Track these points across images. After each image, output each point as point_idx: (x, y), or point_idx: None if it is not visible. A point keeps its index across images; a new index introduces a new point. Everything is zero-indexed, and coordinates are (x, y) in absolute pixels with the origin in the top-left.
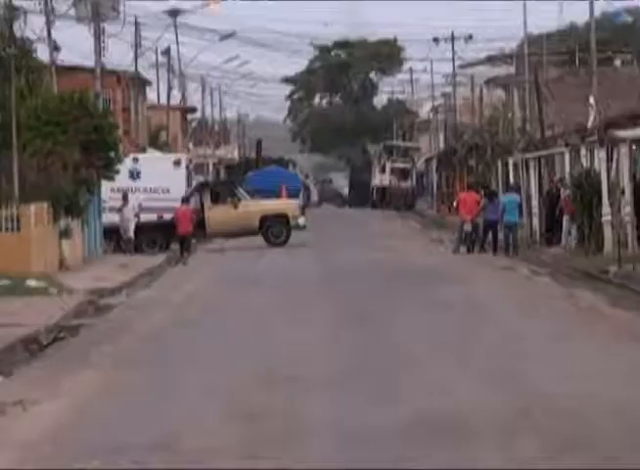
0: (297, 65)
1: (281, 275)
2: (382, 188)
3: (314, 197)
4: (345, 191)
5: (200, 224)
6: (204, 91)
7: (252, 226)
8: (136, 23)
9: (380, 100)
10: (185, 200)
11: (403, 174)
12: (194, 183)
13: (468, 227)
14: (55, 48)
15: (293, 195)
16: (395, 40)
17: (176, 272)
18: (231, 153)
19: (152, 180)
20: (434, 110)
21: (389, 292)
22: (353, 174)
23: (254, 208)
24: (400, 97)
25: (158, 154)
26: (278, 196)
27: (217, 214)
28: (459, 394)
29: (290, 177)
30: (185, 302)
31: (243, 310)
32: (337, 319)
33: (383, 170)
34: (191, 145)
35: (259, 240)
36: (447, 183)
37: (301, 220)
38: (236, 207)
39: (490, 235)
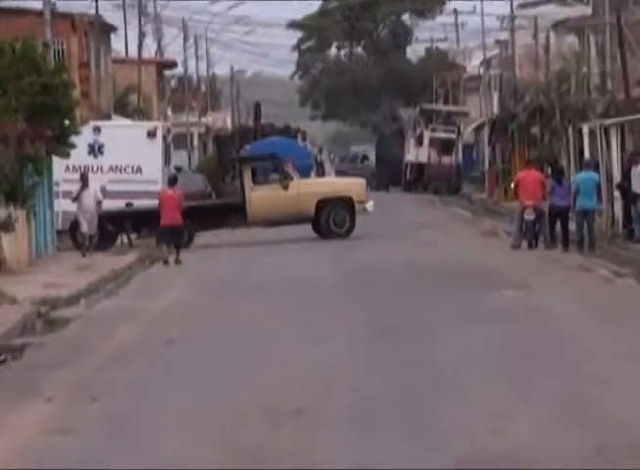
0: (308, 5)
1: (290, 279)
2: (418, 165)
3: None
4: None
5: (237, 210)
6: (186, 40)
7: (307, 212)
8: None
9: (415, 51)
10: (172, 181)
11: (446, 147)
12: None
13: (530, 216)
14: None
15: (302, 172)
16: None
17: (152, 275)
18: (222, 121)
19: (118, 157)
20: (486, 63)
21: (429, 299)
22: (380, 147)
23: (310, 188)
24: (442, 47)
25: (126, 122)
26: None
27: (262, 198)
28: (519, 433)
29: (298, 151)
30: (162, 314)
31: (239, 324)
32: (360, 334)
33: (419, 142)
34: (169, 111)
35: (269, 233)
36: (503, 158)
37: (369, 205)
38: (286, 188)
39: (559, 225)
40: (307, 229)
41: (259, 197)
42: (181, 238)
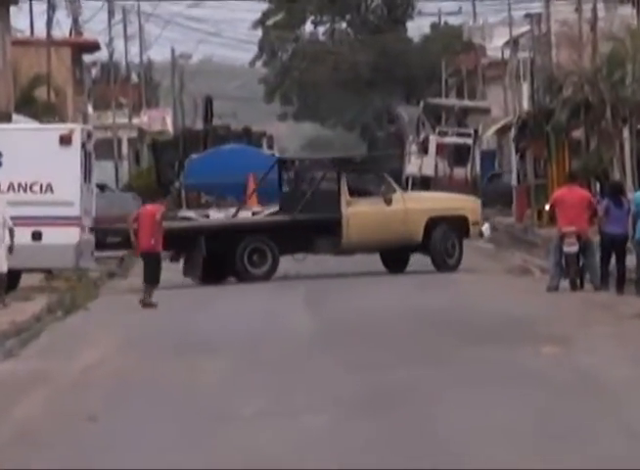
0: None
1: (256, 331)
2: (421, 180)
3: None
4: None
5: (328, 229)
6: (111, 15)
7: (413, 235)
8: None
9: (418, 27)
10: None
11: (459, 156)
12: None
13: (572, 247)
14: None
15: (267, 191)
16: None
17: (68, 328)
18: (160, 121)
19: (21, 171)
20: (513, 43)
21: (440, 359)
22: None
23: (417, 204)
24: (453, 22)
25: (32, 124)
26: (243, 193)
27: (361, 215)
28: None
29: (262, 162)
30: (80, 380)
31: (184, 394)
32: (348, 407)
33: (424, 150)
34: (90, 108)
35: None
36: (536, 170)
37: (485, 228)
38: (389, 202)
39: (614, 260)
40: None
41: (359, 213)
42: (158, 269)
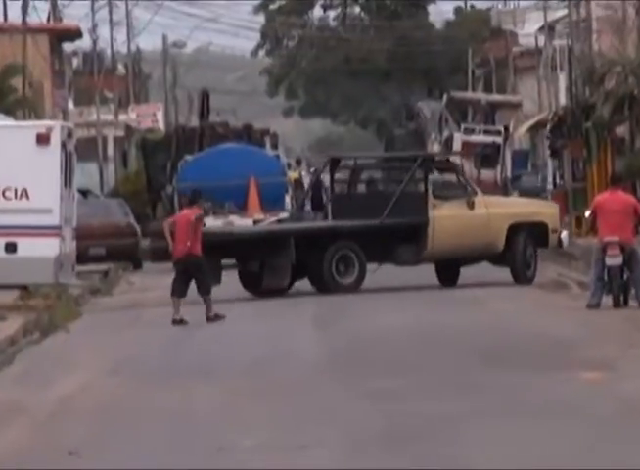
0: None
1: (259, 354)
2: None
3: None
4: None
5: (410, 235)
6: None
7: (495, 243)
8: None
9: (439, 13)
10: (193, 196)
11: (487, 156)
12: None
13: (615, 259)
14: None
15: (270, 197)
16: None
17: (46, 350)
18: (151, 118)
19: None
20: (548, 30)
21: (464, 386)
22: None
23: (498, 208)
24: (481, 5)
25: (5, 122)
26: (243, 199)
27: (447, 219)
28: None
29: (265, 164)
30: (58, 411)
31: (175, 426)
32: (360, 441)
33: (447, 149)
34: (71, 103)
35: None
36: (574, 173)
37: (564, 236)
38: (472, 206)
39: None
40: None
41: (443, 218)
42: (205, 276)
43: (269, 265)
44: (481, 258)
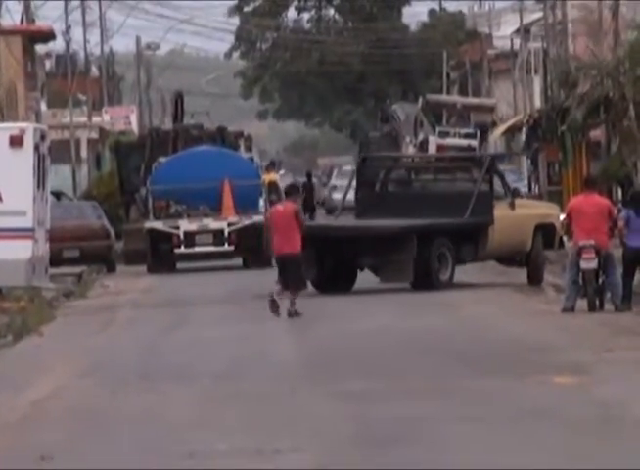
0: None
1: (235, 357)
2: None
3: None
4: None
5: (478, 235)
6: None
7: (525, 244)
8: None
9: (414, 14)
10: (289, 190)
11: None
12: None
13: (589, 263)
14: None
15: (245, 199)
16: None
17: (18, 353)
18: (124, 120)
19: None
20: (524, 32)
21: (438, 391)
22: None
23: (527, 210)
24: (455, 8)
25: None
26: (217, 201)
27: (498, 220)
28: None
29: (240, 167)
30: (31, 415)
31: (150, 430)
32: (336, 444)
33: (422, 151)
34: (44, 105)
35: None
36: (549, 176)
37: (565, 239)
38: (513, 206)
39: (638, 276)
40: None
41: (497, 218)
42: (295, 272)
43: (389, 261)
44: (514, 259)
